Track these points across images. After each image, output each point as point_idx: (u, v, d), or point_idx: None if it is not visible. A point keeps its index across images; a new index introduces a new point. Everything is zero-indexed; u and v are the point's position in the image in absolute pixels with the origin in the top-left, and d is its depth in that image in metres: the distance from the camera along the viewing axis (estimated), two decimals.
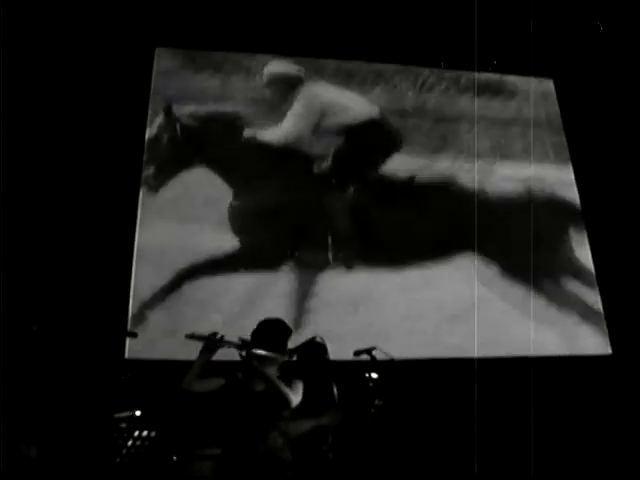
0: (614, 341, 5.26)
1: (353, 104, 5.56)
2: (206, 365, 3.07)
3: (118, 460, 3.51)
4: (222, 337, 3.09)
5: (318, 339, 3.53)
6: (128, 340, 4.38)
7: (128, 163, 5.06)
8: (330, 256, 5.04)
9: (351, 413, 3.54)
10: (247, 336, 3.19)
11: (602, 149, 5.90)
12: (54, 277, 4.49)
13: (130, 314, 4.61)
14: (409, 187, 5.38)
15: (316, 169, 5.30)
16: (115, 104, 5.12)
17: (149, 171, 5.10)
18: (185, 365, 3.09)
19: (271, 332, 3.25)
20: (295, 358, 3.43)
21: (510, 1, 5.75)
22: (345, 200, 5.19)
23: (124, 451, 3.53)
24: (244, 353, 3.09)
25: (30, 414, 3.66)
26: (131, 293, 4.69)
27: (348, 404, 3.47)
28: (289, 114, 5.40)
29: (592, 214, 5.72)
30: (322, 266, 5.03)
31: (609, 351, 5.23)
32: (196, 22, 5.55)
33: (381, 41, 5.78)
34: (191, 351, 3.11)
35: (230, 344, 3.09)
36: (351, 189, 5.24)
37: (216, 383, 3.13)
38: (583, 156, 5.96)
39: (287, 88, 5.50)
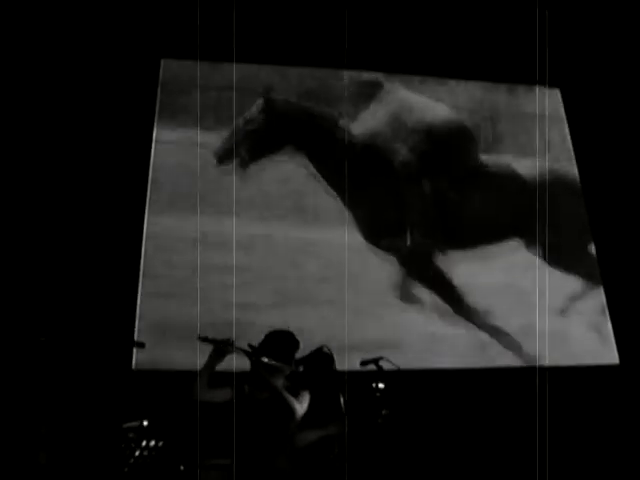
0: (621, 350, 5.24)
1: (429, 104, 5.81)
2: (213, 374, 3.10)
3: (126, 470, 3.45)
4: (233, 341, 3.11)
5: (325, 349, 3.54)
6: (135, 351, 4.41)
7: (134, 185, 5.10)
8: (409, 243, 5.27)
9: (358, 423, 3.54)
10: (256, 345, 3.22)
11: (610, 163, 5.90)
12: (61, 287, 4.53)
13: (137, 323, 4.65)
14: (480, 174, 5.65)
15: (396, 164, 5.52)
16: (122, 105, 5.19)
17: (242, 149, 5.38)
18: (192, 375, 3.11)
19: (279, 344, 3.28)
20: (302, 369, 3.44)
21: (516, 11, 5.82)
22: (424, 192, 5.43)
23: (132, 461, 3.47)
24: (254, 359, 3.12)
25: (39, 422, 3.68)
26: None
27: (355, 414, 3.48)
28: (369, 112, 5.64)
29: (599, 225, 5.72)
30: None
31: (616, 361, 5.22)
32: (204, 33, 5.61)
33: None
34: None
35: (240, 350, 3.12)
36: (428, 182, 5.48)
37: (224, 394, 3.16)
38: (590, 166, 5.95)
39: (367, 88, 5.75)
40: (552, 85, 6.30)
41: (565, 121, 6.16)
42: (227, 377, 3.20)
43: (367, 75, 5.84)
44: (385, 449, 3.62)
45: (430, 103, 5.81)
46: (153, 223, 5.06)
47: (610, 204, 5.75)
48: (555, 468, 4.40)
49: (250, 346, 3.18)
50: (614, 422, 4.78)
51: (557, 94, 6.29)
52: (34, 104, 5.01)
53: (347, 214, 5.33)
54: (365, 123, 5.59)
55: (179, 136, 5.42)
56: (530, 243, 5.54)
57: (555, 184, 5.80)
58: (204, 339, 3.09)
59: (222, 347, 3.09)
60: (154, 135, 5.35)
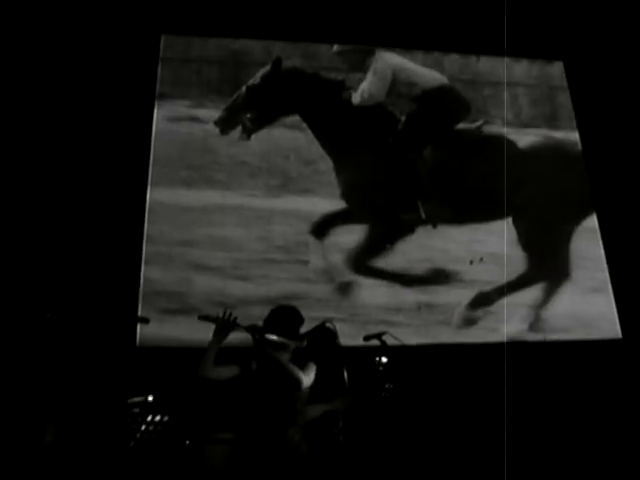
0: (624, 324, 5.21)
1: (422, 71, 5.72)
2: (219, 351, 3.11)
3: (132, 444, 3.53)
4: (235, 319, 3.11)
5: (328, 325, 3.53)
6: (139, 327, 4.44)
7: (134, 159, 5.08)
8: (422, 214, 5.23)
9: (362, 397, 3.58)
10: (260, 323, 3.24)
11: (613, 133, 5.85)
12: (65, 263, 4.55)
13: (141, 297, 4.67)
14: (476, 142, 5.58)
15: (393, 131, 5.45)
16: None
17: (245, 117, 5.31)
18: (197, 351, 3.12)
19: (283, 319, 3.31)
20: (305, 344, 3.44)
21: None
22: (424, 159, 5.37)
23: (138, 435, 3.55)
24: (257, 337, 3.14)
25: (45, 399, 3.72)
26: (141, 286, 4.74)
27: (359, 388, 3.48)
28: (367, 81, 5.54)
29: (603, 206, 5.66)
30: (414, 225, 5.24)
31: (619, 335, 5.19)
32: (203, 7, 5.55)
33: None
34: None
35: (243, 327, 3.14)
36: (428, 149, 5.40)
37: (231, 371, 3.19)
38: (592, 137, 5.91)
39: (358, 57, 5.67)
40: (555, 58, 6.25)
41: (568, 93, 6.08)
42: (233, 353, 3.20)
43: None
44: (389, 423, 3.63)
45: (424, 70, 5.72)
46: (156, 196, 5.05)
47: (612, 175, 5.70)
48: (558, 442, 4.45)
49: (254, 326, 3.20)
50: (617, 397, 4.77)
51: (560, 66, 6.22)
52: (35, 84, 4.99)
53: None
54: (363, 92, 5.51)
55: (180, 110, 5.40)
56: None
57: (554, 154, 5.73)
58: (205, 318, 3.10)
59: (225, 325, 3.09)
60: (155, 110, 5.33)
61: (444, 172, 5.40)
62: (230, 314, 3.14)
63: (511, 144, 5.66)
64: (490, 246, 5.29)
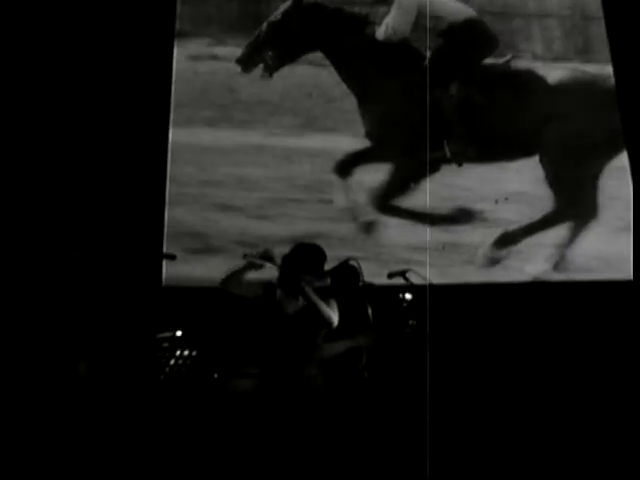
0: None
1: (449, 3, 5.49)
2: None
3: (162, 377, 3.66)
4: (273, 255, 3.13)
5: (352, 262, 3.52)
6: (165, 265, 4.48)
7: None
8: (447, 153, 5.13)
9: (385, 333, 3.61)
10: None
11: None
12: (93, 206, 4.61)
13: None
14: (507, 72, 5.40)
15: (418, 67, 5.30)
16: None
17: (267, 54, 5.22)
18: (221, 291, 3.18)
19: (306, 256, 3.28)
20: (329, 281, 3.44)
21: None
22: (450, 96, 5.25)
23: (167, 369, 3.67)
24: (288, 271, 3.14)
25: (78, 335, 3.84)
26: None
27: (382, 325, 3.53)
28: (389, 14, 5.37)
29: (635, 144, 5.44)
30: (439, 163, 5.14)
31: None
32: None
33: None
34: None
35: (273, 263, 3.14)
36: (454, 86, 5.27)
37: (256, 289, 3.18)
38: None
39: None
40: None
41: (603, 23, 5.80)
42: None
43: None
44: (412, 359, 3.67)
45: (451, 3, 5.48)
46: (177, 136, 5.02)
47: None
48: (570, 385, 4.42)
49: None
50: (628, 340, 4.69)
51: None
52: (56, 25, 4.92)
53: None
54: (387, 27, 5.34)
55: (201, 49, 5.31)
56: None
57: (585, 89, 5.50)
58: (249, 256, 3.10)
59: (259, 263, 3.10)
60: (175, 49, 5.25)
61: (470, 109, 5.26)
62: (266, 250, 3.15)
63: (540, 79, 5.45)
64: (516, 185, 5.20)
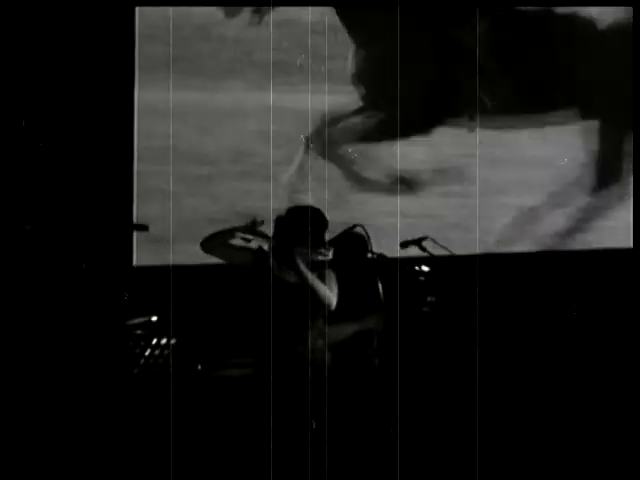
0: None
1: None
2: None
3: (136, 371, 3.43)
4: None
5: (358, 229, 3.15)
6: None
7: None
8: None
9: (399, 313, 3.27)
10: None
11: None
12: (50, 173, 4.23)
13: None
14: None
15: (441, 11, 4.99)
16: None
17: None
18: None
19: (303, 222, 2.86)
20: (331, 253, 3.09)
21: None
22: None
23: (142, 361, 3.44)
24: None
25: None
26: None
27: (396, 304, 3.22)
28: None
29: None
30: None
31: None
32: None
33: None
34: None
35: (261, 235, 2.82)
36: (485, 29, 4.94)
37: (244, 257, 2.84)
38: None
39: None
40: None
41: None
42: None
43: None
44: (431, 341, 3.31)
45: None
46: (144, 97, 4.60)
47: None
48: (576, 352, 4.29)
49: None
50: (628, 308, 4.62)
51: None
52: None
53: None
54: None
55: None
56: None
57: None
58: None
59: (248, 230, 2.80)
60: None
61: (503, 57, 4.95)
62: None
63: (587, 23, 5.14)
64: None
